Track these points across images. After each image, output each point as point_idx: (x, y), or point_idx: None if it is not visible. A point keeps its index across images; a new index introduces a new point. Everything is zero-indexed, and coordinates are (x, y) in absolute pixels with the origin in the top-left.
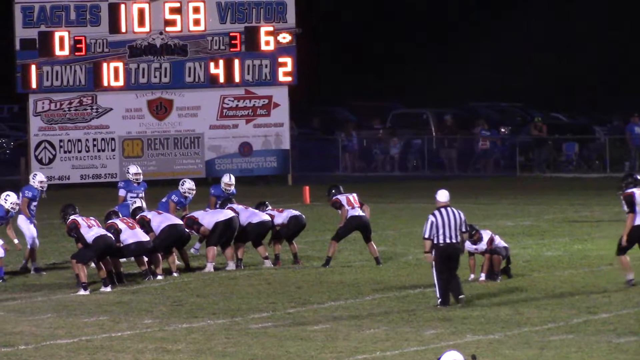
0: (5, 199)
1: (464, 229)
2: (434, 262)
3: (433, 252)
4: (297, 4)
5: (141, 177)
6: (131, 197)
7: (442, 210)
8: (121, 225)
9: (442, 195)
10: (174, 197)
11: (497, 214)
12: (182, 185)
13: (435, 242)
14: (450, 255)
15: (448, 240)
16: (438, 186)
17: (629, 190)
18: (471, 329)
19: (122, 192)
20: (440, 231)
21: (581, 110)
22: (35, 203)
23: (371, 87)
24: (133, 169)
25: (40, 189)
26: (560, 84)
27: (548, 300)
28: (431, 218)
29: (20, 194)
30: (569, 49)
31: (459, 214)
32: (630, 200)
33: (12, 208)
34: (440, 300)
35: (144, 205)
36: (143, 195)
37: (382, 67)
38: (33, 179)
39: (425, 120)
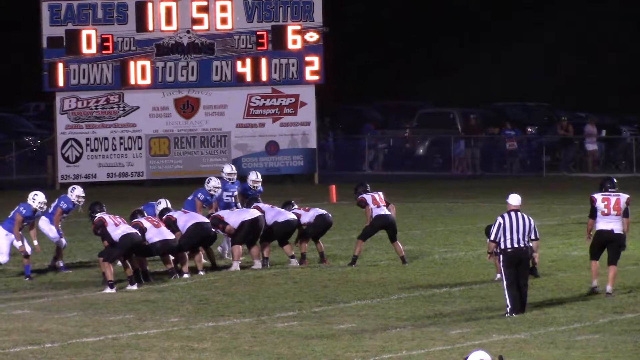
0: (33, 198)
1: (533, 236)
2: (502, 269)
3: (500, 257)
4: (324, 2)
5: (235, 176)
6: (226, 196)
7: (512, 213)
8: (146, 223)
9: (514, 199)
10: (200, 195)
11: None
12: (208, 183)
13: (502, 246)
14: (519, 260)
15: (516, 245)
16: (463, 185)
17: None
18: (497, 328)
19: (236, 191)
20: (507, 235)
21: (608, 110)
22: (66, 215)
23: (399, 86)
24: (227, 168)
25: (77, 202)
26: (588, 84)
27: (574, 300)
28: (499, 220)
29: (56, 203)
30: (597, 48)
31: (529, 219)
32: None
33: (40, 207)
34: (509, 307)
35: (169, 205)
36: (236, 193)
37: (411, 67)
38: (71, 192)
39: (452, 119)
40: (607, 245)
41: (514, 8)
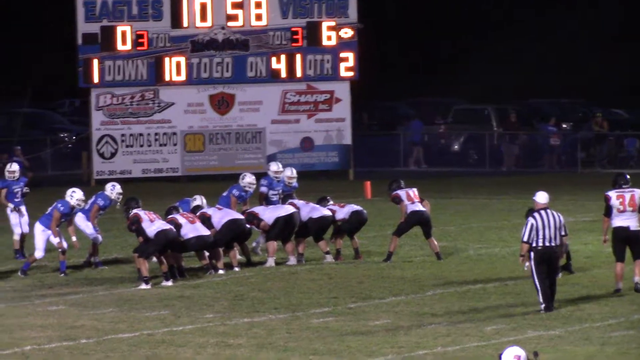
0: (71, 195)
1: (563, 232)
2: (533, 267)
3: (531, 254)
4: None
5: (282, 175)
6: (272, 194)
7: (542, 212)
8: (181, 219)
9: (542, 197)
10: (235, 192)
11: (557, 209)
12: (243, 179)
13: (534, 245)
14: (549, 258)
15: (547, 243)
16: (498, 182)
17: None
18: (532, 324)
19: (263, 189)
20: (540, 234)
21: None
22: (102, 212)
23: (433, 82)
24: (274, 166)
25: (116, 199)
26: (622, 80)
27: (608, 297)
28: (531, 220)
29: (93, 200)
30: (631, 44)
31: (559, 216)
32: None
33: (77, 204)
34: (543, 305)
35: (204, 202)
36: (281, 191)
37: (445, 64)
38: (112, 189)
39: (487, 116)
40: (629, 243)
41: (547, 6)
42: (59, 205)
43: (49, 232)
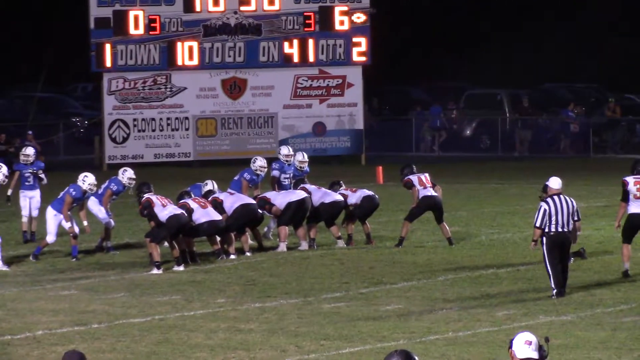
0: (83, 179)
1: (576, 218)
2: (545, 252)
3: (544, 239)
4: None
5: (292, 158)
6: (284, 178)
7: (555, 197)
8: (193, 204)
9: (555, 183)
10: (246, 175)
11: (570, 195)
12: (254, 162)
13: (546, 230)
14: (561, 244)
15: (560, 229)
16: (510, 167)
17: None
18: (544, 310)
19: (275, 173)
20: (553, 219)
21: None
22: (115, 197)
23: (446, 67)
24: (284, 150)
25: (128, 185)
26: (636, 65)
27: (620, 282)
28: (544, 206)
29: (106, 184)
30: None
31: (572, 201)
32: None
33: (89, 189)
34: (555, 291)
35: (216, 187)
36: (293, 176)
37: (457, 48)
38: (122, 174)
39: (499, 101)
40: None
41: None
42: (71, 189)
43: (61, 216)
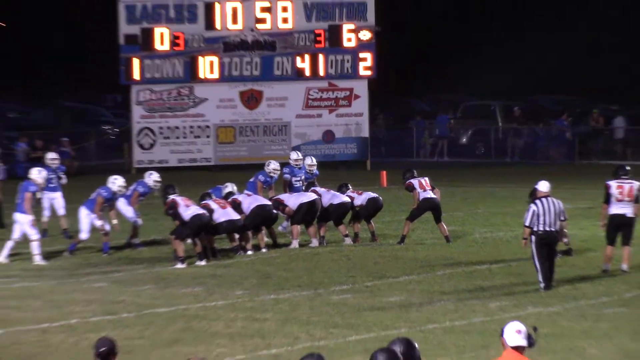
0: (113, 181)
1: (562, 218)
2: (534, 249)
3: (532, 238)
4: (377, 3)
5: (302, 162)
6: (295, 181)
7: (543, 199)
8: (214, 205)
9: (543, 186)
10: (261, 177)
11: (557, 197)
12: (268, 165)
13: (534, 229)
14: (548, 242)
15: (547, 228)
16: (503, 172)
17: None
18: (532, 302)
19: (287, 176)
20: (541, 219)
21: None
22: (142, 198)
23: (445, 81)
24: (294, 155)
25: (154, 187)
26: (618, 79)
27: (602, 277)
28: (533, 207)
29: (133, 186)
30: (627, 45)
31: (558, 203)
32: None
33: (119, 190)
34: (543, 284)
35: (235, 189)
36: (304, 178)
37: (454, 62)
38: (149, 177)
39: (492, 111)
40: (621, 229)
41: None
42: (102, 191)
43: (93, 215)
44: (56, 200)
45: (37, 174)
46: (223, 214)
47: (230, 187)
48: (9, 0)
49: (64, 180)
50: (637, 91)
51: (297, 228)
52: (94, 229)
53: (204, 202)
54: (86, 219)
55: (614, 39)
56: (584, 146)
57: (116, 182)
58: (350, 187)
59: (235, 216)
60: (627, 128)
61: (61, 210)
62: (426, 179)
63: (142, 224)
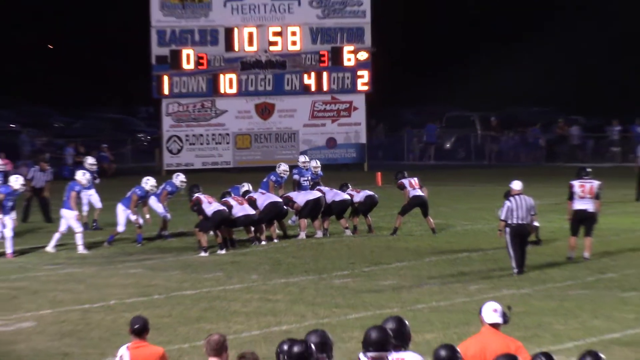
0: (146, 181)
1: (533, 212)
2: (508, 239)
3: (507, 230)
4: (372, 28)
5: (309, 164)
6: (303, 180)
7: (517, 196)
8: (232, 202)
9: (517, 185)
10: (272, 177)
11: (528, 194)
12: (279, 167)
13: (509, 222)
14: (520, 233)
15: (520, 221)
16: (481, 173)
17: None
18: (506, 285)
19: (296, 177)
20: (514, 214)
21: (598, 113)
22: (171, 196)
23: (431, 94)
24: (302, 158)
25: (180, 186)
26: (581, 91)
27: (567, 263)
28: (507, 203)
29: (163, 186)
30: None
31: (530, 200)
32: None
33: (151, 189)
34: (516, 270)
35: (251, 188)
36: (310, 178)
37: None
38: (176, 178)
39: (472, 121)
40: (583, 222)
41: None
42: (137, 190)
43: (129, 211)
44: (92, 196)
45: (81, 176)
46: (241, 209)
47: (246, 186)
48: (57, 27)
49: (98, 181)
50: (598, 103)
51: (304, 222)
52: (129, 223)
53: (224, 199)
54: (122, 214)
55: (579, 58)
56: (551, 150)
57: (148, 182)
58: (350, 186)
59: (251, 211)
60: (581, 135)
61: (98, 204)
62: (415, 179)
63: (170, 218)
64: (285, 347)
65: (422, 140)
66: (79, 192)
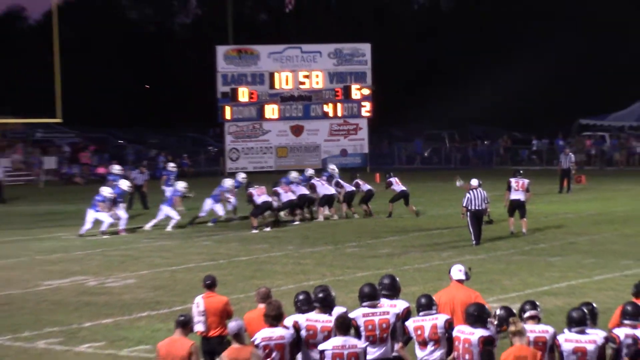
0: (239, 175)
1: (486, 201)
2: (468, 220)
3: (468, 214)
4: (372, 72)
5: (329, 168)
6: (326, 179)
7: (474, 190)
8: (280, 190)
9: (474, 181)
10: (301, 177)
11: (483, 188)
12: (307, 171)
13: (469, 208)
14: (477, 216)
15: (477, 208)
16: (449, 174)
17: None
18: (468, 252)
19: (323, 176)
20: (473, 202)
21: (529, 129)
22: (236, 189)
23: (412, 113)
24: (331, 165)
25: (242, 181)
26: (521, 112)
27: (511, 237)
28: (468, 195)
29: (229, 183)
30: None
31: (484, 192)
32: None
33: (243, 180)
34: (474, 242)
35: (299, 176)
36: (329, 176)
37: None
38: (238, 175)
39: (442, 137)
40: (517, 208)
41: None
42: (234, 182)
43: (211, 200)
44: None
45: (182, 186)
46: (284, 196)
47: (295, 174)
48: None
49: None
50: (531, 122)
51: (322, 209)
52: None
53: (274, 188)
54: (207, 203)
55: (518, 87)
56: (498, 158)
57: (240, 175)
58: (359, 176)
59: (292, 197)
60: (513, 147)
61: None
62: (397, 178)
63: (235, 206)
64: (300, 297)
65: (412, 152)
66: (180, 196)
